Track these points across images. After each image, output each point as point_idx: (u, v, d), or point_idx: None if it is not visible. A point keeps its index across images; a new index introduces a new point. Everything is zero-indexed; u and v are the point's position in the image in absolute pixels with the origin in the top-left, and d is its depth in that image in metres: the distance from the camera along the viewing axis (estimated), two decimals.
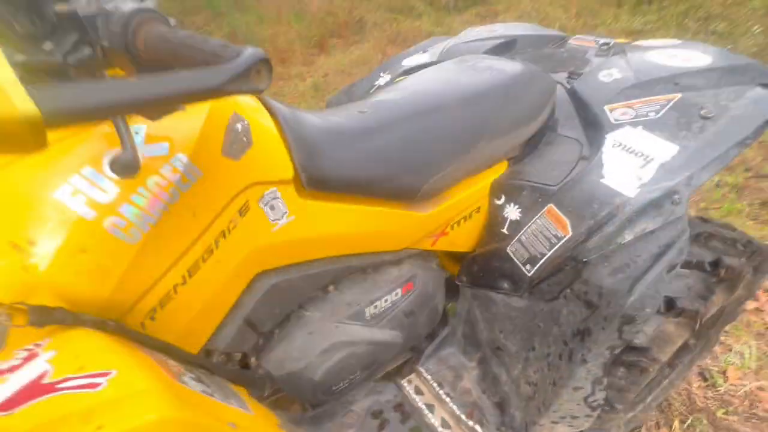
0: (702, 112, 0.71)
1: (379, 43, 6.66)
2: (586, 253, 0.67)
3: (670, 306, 0.75)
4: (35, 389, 0.34)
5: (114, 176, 0.45)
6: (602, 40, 1.06)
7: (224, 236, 0.57)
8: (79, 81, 0.33)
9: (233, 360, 0.73)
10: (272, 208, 0.63)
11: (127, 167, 0.42)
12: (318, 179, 0.66)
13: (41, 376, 0.36)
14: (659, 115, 0.74)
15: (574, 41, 1.13)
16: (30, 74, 0.33)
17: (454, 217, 0.85)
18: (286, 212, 0.64)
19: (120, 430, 0.30)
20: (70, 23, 0.33)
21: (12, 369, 0.37)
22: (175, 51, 0.33)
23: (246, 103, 0.60)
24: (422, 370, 0.92)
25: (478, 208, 0.87)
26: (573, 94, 0.87)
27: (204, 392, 0.45)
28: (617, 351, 0.68)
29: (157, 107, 0.34)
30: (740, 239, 0.84)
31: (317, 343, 0.76)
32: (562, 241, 0.71)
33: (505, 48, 1.16)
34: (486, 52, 1.13)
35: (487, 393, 0.87)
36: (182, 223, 0.51)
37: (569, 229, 0.70)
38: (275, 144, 0.61)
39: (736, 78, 0.78)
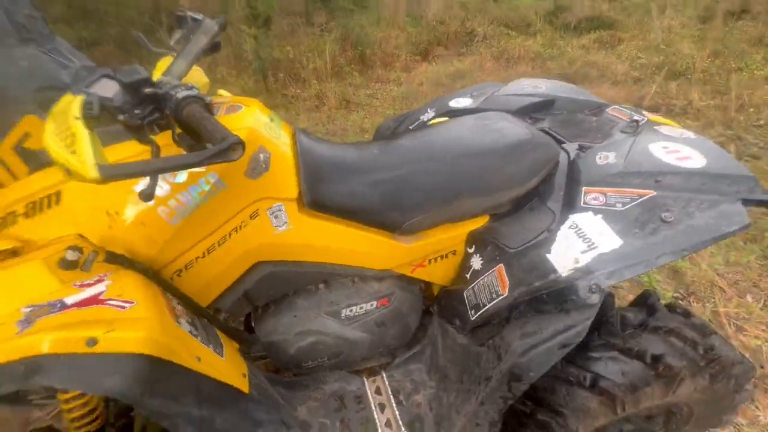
0: (663, 215, 0.71)
1: (482, 58, 6.63)
2: (512, 314, 0.75)
3: (593, 383, 0.76)
4: (93, 300, 0.59)
5: (170, 181, 0.69)
6: (636, 116, 1.04)
7: (236, 231, 0.79)
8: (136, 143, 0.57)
9: (237, 321, 0.96)
10: (276, 217, 0.83)
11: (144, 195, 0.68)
12: (316, 202, 0.85)
13: (99, 293, 0.61)
14: (624, 208, 0.75)
15: (610, 111, 1.12)
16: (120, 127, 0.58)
17: (431, 254, 0.96)
18: (286, 222, 0.84)
19: (119, 336, 0.53)
20: (151, 99, 0.56)
21: (89, 285, 0.62)
22: (197, 124, 0.54)
23: (275, 137, 0.81)
24: (386, 375, 1.06)
25: (455, 251, 0.97)
26: (571, 168, 0.91)
27: (190, 332, 0.67)
28: (508, 401, 0.75)
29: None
30: (703, 344, 0.79)
31: (297, 325, 0.95)
32: (499, 298, 0.79)
33: (542, 106, 1.20)
34: (522, 108, 1.19)
35: (433, 411, 0.97)
36: (207, 218, 0.74)
37: (507, 290, 0.77)
38: (288, 171, 0.81)
39: (721, 187, 0.74)
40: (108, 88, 0.67)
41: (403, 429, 0.93)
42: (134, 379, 0.55)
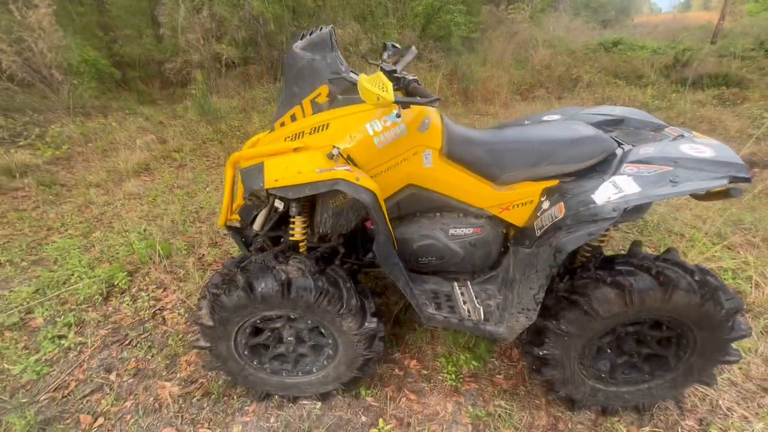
0: (671, 179, 1.07)
1: (582, 102, 6.81)
2: (563, 224, 1.17)
3: (612, 281, 1.12)
4: (345, 169, 1.22)
5: (385, 124, 1.31)
6: (684, 133, 1.40)
7: (404, 160, 1.37)
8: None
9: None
10: (426, 158, 1.40)
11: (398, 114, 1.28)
12: (449, 154, 1.39)
13: (348, 168, 1.24)
14: (648, 174, 1.13)
15: (668, 129, 1.49)
16: None
17: (515, 201, 1.43)
18: (431, 162, 1.40)
19: (364, 180, 1.15)
20: (396, 79, 1.18)
21: (342, 165, 1.25)
22: (416, 90, 1.14)
23: (434, 113, 1.39)
24: (470, 284, 1.54)
25: (532, 200, 1.42)
26: (622, 156, 1.31)
27: None
28: (553, 269, 1.15)
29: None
30: (698, 273, 1.11)
31: (421, 230, 1.49)
32: (557, 219, 1.21)
33: (613, 123, 1.61)
34: (597, 122, 1.62)
35: (500, 308, 1.41)
36: (393, 149, 1.34)
37: (563, 214, 1.20)
38: (437, 133, 1.38)
39: (718, 169, 1.07)
40: (355, 76, 1.34)
41: (479, 314, 1.39)
42: (371, 199, 1.16)
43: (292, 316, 1.31)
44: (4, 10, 5.07)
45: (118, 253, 2.51)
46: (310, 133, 1.33)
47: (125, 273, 2.25)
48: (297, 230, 1.42)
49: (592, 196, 1.17)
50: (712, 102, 6.75)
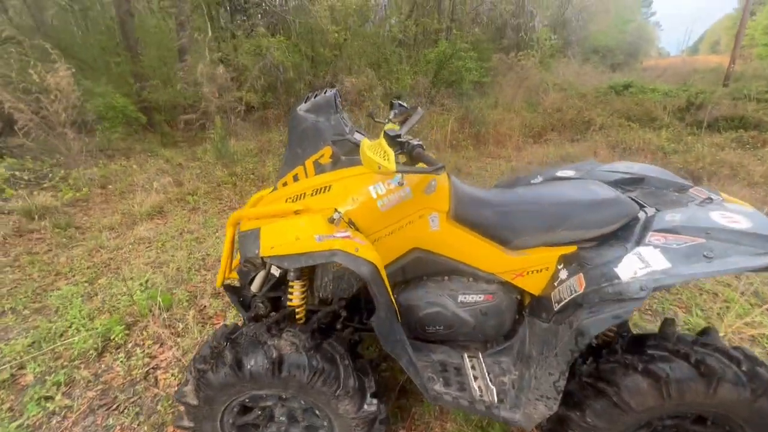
0: (705, 253, 0.95)
1: (596, 145, 6.76)
2: (584, 301, 1.04)
3: (645, 369, 0.96)
4: (347, 237, 1.15)
5: (388, 187, 1.25)
6: (712, 196, 1.30)
7: (409, 224, 1.30)
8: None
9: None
10: (432, 221, 1.32)
11: (400, 182, 1.22)
12: (457, 216, 1.32)
13: (348, 235, 1.17)
14: (677, 246, 1.01)
15: (693, 191, 1.38)
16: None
17: (529, 267, 1.32)
18: (438, 225, 1.32)
19: (365, 252, 1.07)
20: (400, 144, 1.14)
21: (341, 232, 1.19)
22: (420, 157, 1.08)
23: (440, 176, 1.34)
24: (481, 357, 1.39)
25: (548, 267, 1.30)
26: (646, 221, 1.20)
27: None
28: (575, 354, 1.01)
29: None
30: (746, 363, 0.93)
31: (427, 297, 1.38)
32: (577, 293, 1.09)
33: (632, 182, 1.52)
34: (614, 181, 1.53)
35: (515, 387, 1.26)
36: (398, 212, 1.27)
37: (583, 288, 1.08)
38: (445, 194, 1.31)
39: (756, 243, 0.95)
40: (360, 136, 1.30)
41: (492, 395, 1.24)
42: (370, 272, 1.07)
43: (284, 396, 1.19)
44: (25, 73, 5.47)
45: (119, 302, 2.46)
46: (312, 195, 1.28)
47: (123, 326, 2.17)
48: (295, 295, 1.33)
49: (616, 269, 1.06)
50: (730, 145, 6.62)
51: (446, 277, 1.41)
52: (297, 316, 1.34)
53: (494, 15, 14.25)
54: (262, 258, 1.11)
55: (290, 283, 1.34)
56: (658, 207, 1.30)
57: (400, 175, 1.15)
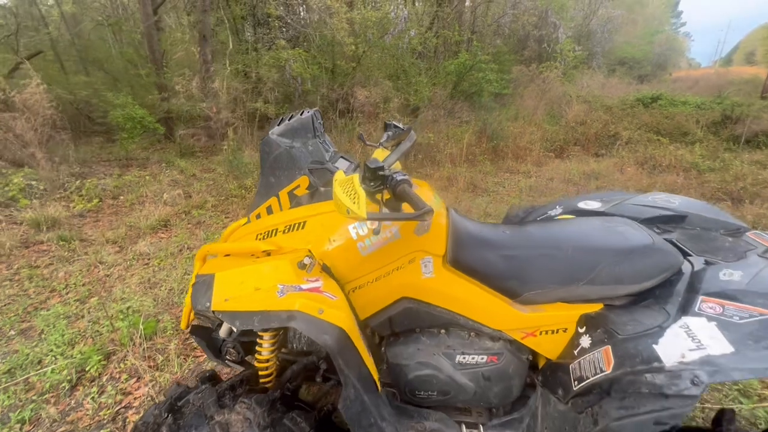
0: None
1: (623, 162, 6.37)
2: (613, 387, 0.80)
3: None
4: (316, 290, 0.95)
5: (369, 227, 1.05)
6: None
7: (397, 270, 1.09)
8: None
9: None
10: (425, 266, 1.11)
11: (375, 231, 1.02)
12: (455, 261, 1.10)
13: (319, 287, 0.97)
14: (741, 321, 0.76)
15: (750, 235, 1.12)
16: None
17: (543, 326, 1.08)
18: (432, 271, 1.11)
19: (332, 313, 0.86)
20: (381, 179, 0.93)
21: (312, 281, 0.99)
22: (406, 196, 0.88)
23: (436, 208, 1.13)
24: (482, 429, 1.15)
25: (566, 328, 1.06)
26: (693, 277, 0.95)
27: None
28: None
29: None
30: None
31: (419, 356, 1.16)
32: (603, 374, 0.84)
33: (671, 219, 1.26)
34: (649, 219, 1.28)
35: None
36: (383, 256, 1.07)
37: (611, 368, 0.83)
38: (440, 235, 1.10)
39: None
40: (343, 164, 1.11)
41: None
42: (335, 341, 0.87)
43: None
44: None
45: (103, 327, 2.33)
46: (284, 232, 1.09)
47: (100, 357, 2.03)
48: (265, 347, 1.14)
49: (656, 347, 0.82)
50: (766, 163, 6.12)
51: (443, 331, 1.19)
52: (265, 373, 1.15)
53: (516, 27, 14.04)
54: (213, 312, 0.92)
55: (259, 333, 1.14)
56: (706, 257, 1.04)
57: (376, 225, 0.95)
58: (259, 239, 1.13)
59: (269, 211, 1.18)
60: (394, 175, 0.91)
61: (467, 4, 12.59)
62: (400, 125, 1.32)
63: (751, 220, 3.90)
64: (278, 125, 1.14)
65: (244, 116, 7.30)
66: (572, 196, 1.66)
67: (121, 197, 5.13)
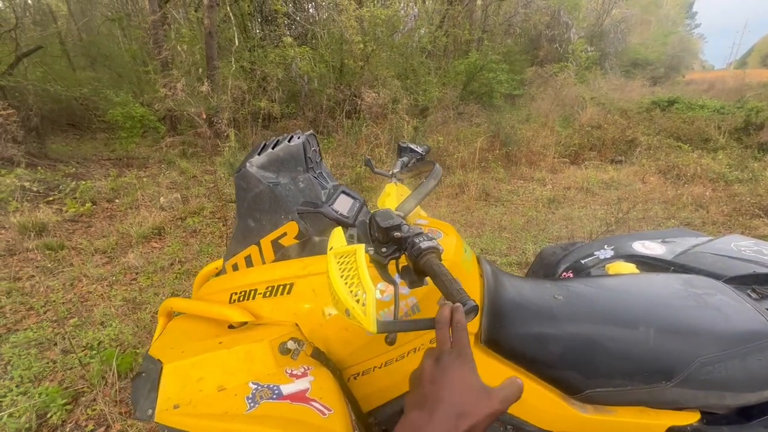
0: None
1: (644, 170, 6.03)
2: None
3: None
4: (301, 397, 0.67)
5: (378, 297, 0.78)
6: None
7: (414, 351, 0.82)
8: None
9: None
10: None
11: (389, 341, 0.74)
12: (492, 341, 0.83)
13: (306, 390, 0.69)
14: None
15: None
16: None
17: None
18: None
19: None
20: (397, 242, 0.66)
21: (297, 376, 0.72)
22: (434, 276, 0.61)
23: (467, 271, 0.85)
24: None
25: None
26: None
27: None
28: None
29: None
30: None
31: None
32: None
33: (767, 281, 0.97)
34: (739, 277, 0.99)
35: None
36: (399, 335, 0.80)
37: None
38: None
39: None
40: (344, 203, 0.83)
41: None
42: None
43: None
44: None
45: (75, 360, 2.08)
46: (265, 296, 0.83)
47: (65, 401, 1.78)
48: None
49: None
50: None
51: None
52: None
53: (528, 26, 13.69)
54: (157, 424, 0.65)
55: None
56: None
57: (386, 336, 0.68)
58: (234, 300, 0.86)
59: (248, 262, 0.91)
60: (416, 239, 0.63)
61: (478, 2, 12.26)
62: (418, 149, 1.04)
63: None
64: (258, 153, 0.86)
65: (248, 115, 7.06)
66: (623, 235, 1.37)
67: (117, 200, 4.91)
